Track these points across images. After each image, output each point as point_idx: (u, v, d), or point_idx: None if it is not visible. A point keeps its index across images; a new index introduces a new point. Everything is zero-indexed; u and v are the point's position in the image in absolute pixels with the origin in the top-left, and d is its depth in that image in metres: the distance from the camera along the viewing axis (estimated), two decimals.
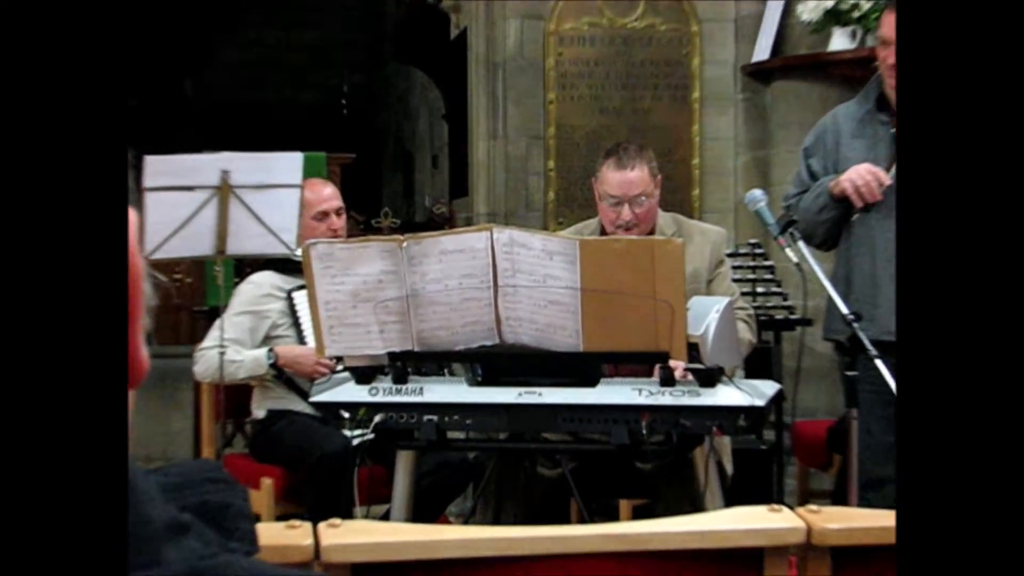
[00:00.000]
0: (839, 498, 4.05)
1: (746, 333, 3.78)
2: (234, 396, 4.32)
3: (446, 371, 3.81)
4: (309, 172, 4.23)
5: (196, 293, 7.50)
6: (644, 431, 3.07)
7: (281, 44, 15.02)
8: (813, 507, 2.00)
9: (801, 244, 3.49)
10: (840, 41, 6.18)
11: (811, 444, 4.76)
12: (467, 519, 4.02)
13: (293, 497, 4.07)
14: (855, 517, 2.04)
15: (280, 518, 3.96)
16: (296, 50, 15.01)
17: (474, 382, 3.27)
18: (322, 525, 1.83)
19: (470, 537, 1.90)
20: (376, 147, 14.53)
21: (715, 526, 1.96)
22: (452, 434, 3.40)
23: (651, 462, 3.63)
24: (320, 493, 3.84)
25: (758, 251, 5.78)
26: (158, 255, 3.89)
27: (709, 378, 3.09)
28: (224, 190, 3.92)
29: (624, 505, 4.11)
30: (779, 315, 5.59)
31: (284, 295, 4.24)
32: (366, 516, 3.67)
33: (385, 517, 3.79)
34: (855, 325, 3.27)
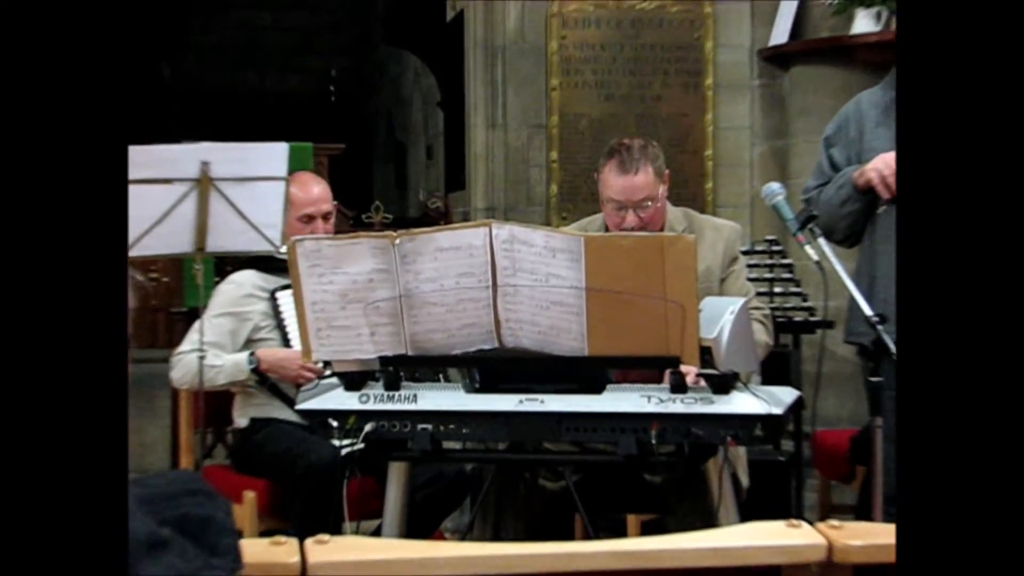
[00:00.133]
0: (862, 513, 4.05)
1: (762, 335, 3.78)
2: (214, 403, 4.32)
3: (441, 377, 3.81)
4: (295, 163, 4.23)
5: (174, 293, 7.49)
6: (653, 441, 3.07)
7: (265, 26, 15.03)
8: (834, 522, 2.00)
9: (822, 241, 3.49)
10: (863, 23, 6.18)
11: (832, 455, 4.76)
12: (464, 535, 4.02)
13: (278, 512, 4.07)
14: (879, 533, 2.04)
15: (264, 534, 3.96)
16: (281, 32, 15.01)
17: (471, 388, 3.27)
18: (309, 541, 1.83)
19: (467, 554, 1.90)
20: (366, 137, 14.53)
21: (730, 542, 1.96)
22: (448, 444, 3.40)
23: (661, 474, 3.64)
24: (307, 507, 3.85)
25: (776, 248, 5.78)
26: (133, 253, 3.88)
27: (723, 384, 3.09)
28: (204, 183, 3.92)
29: (632, 520, 4.11)
30: (798, 317, 5.59)
31: (267, 295, 4.24)
32: (356, 532, 3.68)
33: (376, 533, 3.80)
34: (880, 327, 3.28)
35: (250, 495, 4.01)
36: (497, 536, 3.76)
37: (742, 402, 3.08)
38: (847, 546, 1.92)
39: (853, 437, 4.56)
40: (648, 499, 3.81)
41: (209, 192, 3.93)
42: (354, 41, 15.11)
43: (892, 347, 3.23)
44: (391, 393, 3.22)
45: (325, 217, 4.25)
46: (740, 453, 3.78)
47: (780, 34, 6.55)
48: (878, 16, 6.14)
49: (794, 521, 1.97)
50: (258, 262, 4.29)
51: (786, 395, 3.23)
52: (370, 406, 3.21)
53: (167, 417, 5.03)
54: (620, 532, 4.02)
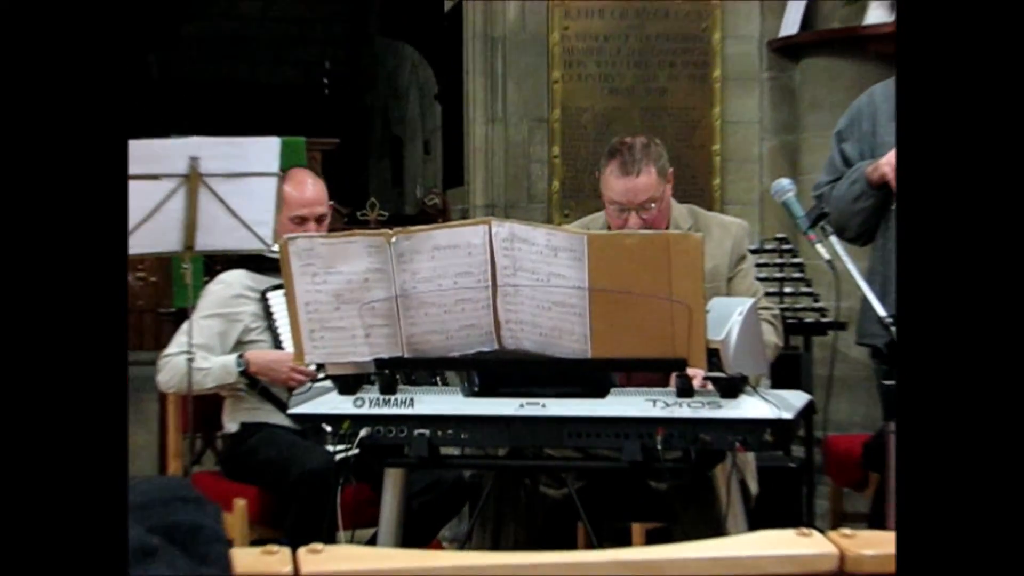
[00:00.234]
0: (876, 521, 4.05)
1: (771, 336, 3.78)
2: (204, 408, 4.33)
3: (438, 380, 3.81)
4: (287, 159, 4.22)
5: (162, 293, 7.50)
6: (659, 447, 3.08)
7: (256, 16, 15.03)
8: (847, 531, 2.00)
9: (833, 239, 3.50)
10: (876, 14, 6.18)
11: (845, 461, 4.76)
12: (463, 544, 4.02)
13: (269, 520, 4.08)
14: (893, 543, 2.05)
15: (255, 543, 3.96)
16: (273, 23, 15.01)
17: (470, 392, 3.28)
18: (302, 550, 1.83)
19: (466, 564, 1.90)
20: (362, 131, 14.54)
21: (738, 552, 1.96)
22: (446, 450, 3.40)
23: (667, 481, 3.64)
24: (300, 515, 3.84)
25: (786, 247, 5.78)
26: None
27: (731, 388, 3.10)
28: (193, 179, 3.92)
29: (637, 529, 4.11)
30: (809, 318, 5.60)
31: (257, 296, 4.24)
32: (351, 541, 3.68)
33: (371, 542, 3.80)
34: (894, 329, 3.28)
35: (241, 503, 4.01)
36: (497, 545, 3.77)
37: (751, 406, 3.08)
38: (860, 556, 1.92)
39: (866, 443, 4.56)
40: (653, 507, 3.81)
41: (198, 188, 3.93)
42: (349, 32, 15.12)
43: None
44: (387, 397, 3.22)
45: (319, 219, 4.23)
46: (749, 459, 3.78)
47: (790, 25, 6.55)
48: (892, 7, 6.14)
49: (805, 530, 1.97)
50: (248, 262, 4.29)
51: (797, 399, 3.23)
52: (365, 410, 3.22)
53: (155, 421, 5.03)
54: (624, 541, 4.02)
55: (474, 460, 3.75)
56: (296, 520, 3.87)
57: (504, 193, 6.62)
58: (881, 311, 3.34)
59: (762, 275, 5.52)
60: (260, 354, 4.15)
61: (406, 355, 3.23)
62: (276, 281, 4.19)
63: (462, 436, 3.24)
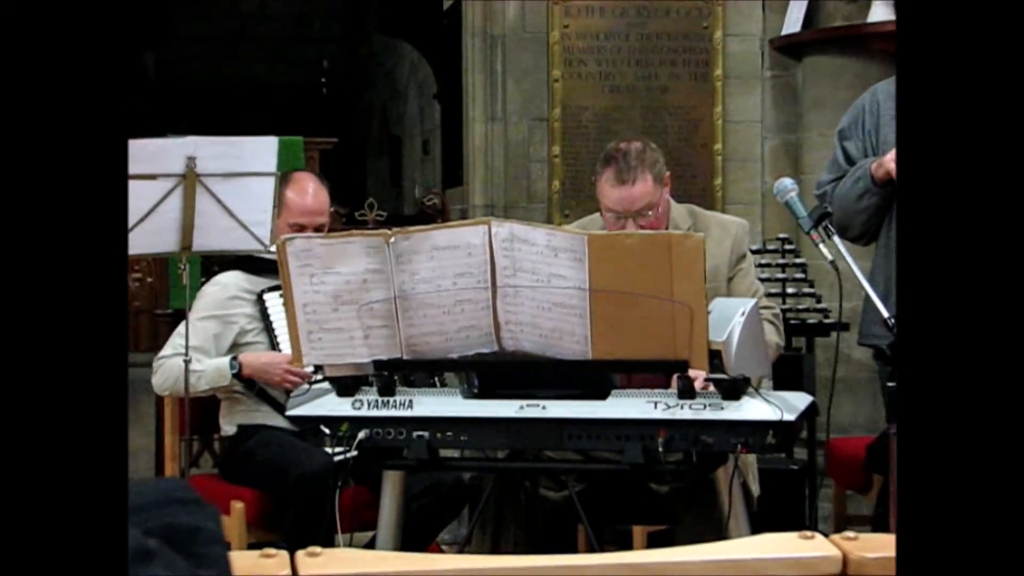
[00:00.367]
0: (879, 524, 4.06)
1: (772, 335, 3.79)
2: (201, 410, 4.33)
3: (437, 381, 3.81)
4: (285, 158, 4.22)
5: (158, 294, 7.50)
6: (660, 449, 3.08)
7: (253, 14, 15.04)
8: (850, 534, 2.00)
9: (836, 239, 3.50)
10: (880, 11, 6.19)
11: (848, 463, 4.76)
12: (462, 547, 4.02)
13: (267, 523, 4.08)
14: None
15: (252, 546, 3.97)
16: (270, 21, 15.02)
17: (470, 394, 3.28)
18: (300, 554, 1.83)
19: (466, 567, 1.90)
20: (360, 130, 14.54)
21: (740, 555, 1.96)
22: (445, 452, 3.40)
23: (668, 483, 3.64)
24: (299, 518, 3.84)
25: (788, 247, 5.79)
26: None
27: (733, 390, 3.10)
28: (190, 179, 3.92)
29: (638, 531, 4.11)
30: (812, 319, 5.60)
31: (253, 297, 4.23)
32: (349, 544, 3.68)
33: (370, 545, 3.80)
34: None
35: (238, 505, 4.01)
36: (497, 548, 3.76)
37: (753, 408, 3.08)
38: (863, 559, 1.92)
39: (870, 445, 4.56)
40: (655, 509, 3.81)
41: (195, 188, 3.93)
42: (347, 30, 15.12)
43: None
44: (386, 399, 3.23)
45: (318, 229, 4.21)
46: (750, 460, 3.78)
47: (793, 23, 6.56)
48: (894, 4, 6.14)
49: (807, 533, 1.97)
50: (243, 263, 4.28)
51: (799, 401, 3.23)
52: (364, 412, 3.22)
53: (151, 424, 5.03)
54: (625, 544, 4.02)
55: (474, 462, 3.75)
56: (294, 523, 3.87)
57: (504, 193, 6.62)
58: (884, 312, 3.34)
59: (764, 275, 5.53)
60: (254, 357, 4.14)
61: (405, 356, 3.23)
62: (272, 282, 4.19)
63: (461, 438, 3.24)
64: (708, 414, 3.08)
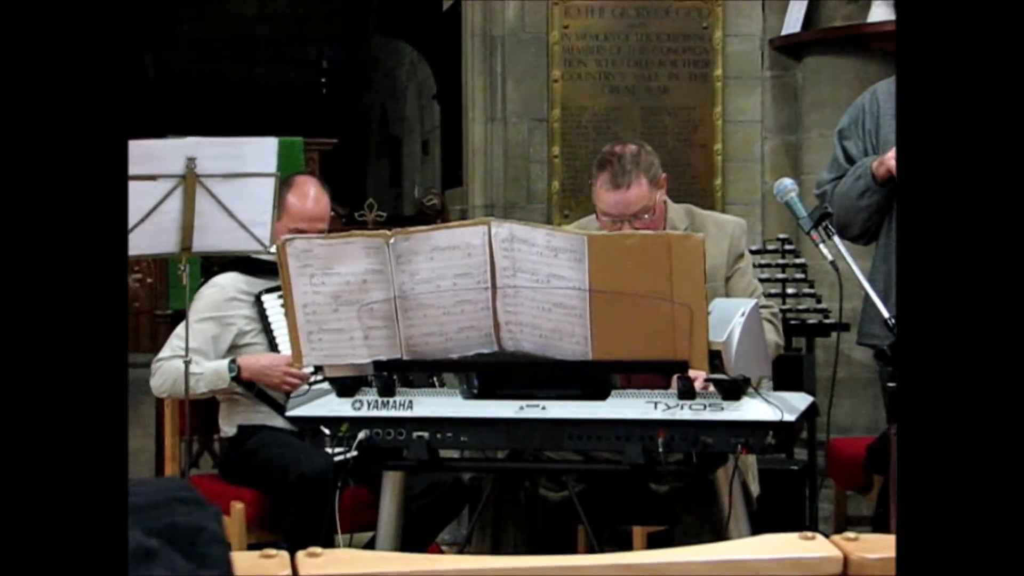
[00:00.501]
0: (880, 525, 4.06)
1: (772, 335, 3.79)
2: (201, 411, 4.33)
3: (435, 381, 3.81)
4: (284, 159, 4.22)
5: (158, 295, 7.51)
6: (660, 449, 3.08)
7: (252, 15, 15.04)
8: (850, 534, 2.00)
9: (837, 239, 3.50)
10: (880, 11, 6.19)
11: (848, 464, 4.77)
12: (462, 548, 4.02)
13: (267, 523, 4.08)
14: None
15: (252, 547, 3.97)
16: (270, 22, 15.02)
17: (470, 394, 3.28)
18: (300, 554, 1.83)
19: (466, 567, 1.90)
20: (359, 131, 14.55)
21: (740, 555, 1.96)
22: (445, 453, 3.40)
23: (668, 483, 3.64)
24: (300, 518, 3.84)
25: (788, 247, 5.79)
26: None
27: (733, 390, 3.10)
28: (189, 179, 3.92)
29: (638, 532, 4.11)
30: (812, 319, 5.60)
31: (251, 299, 4.23)
32: (349, 544, 3.68)
33: (369, 545, 3.80)
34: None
35: (238, 506, 4.01)
36: (497, 549, 3.77)
37: (753, 408, 3.09)
38: (863, 559, 1.92)
39: (870, 445, 4.56)
40: (655, 510, 3.82)
41: (195, 189, 3.93)
42: (346, 31, 15.13)
43: None
44: (385, 399, 3.23)
45: (317, 232, 4.21)
46: (750, 460, 3.78)
47: (792, 23, 6.56)
48: (894, 4, 6.14)
49: (808, 533, 1.97)
50: (241, 264, 4.28)
51: (799, 401, 3.23)
52: (364, 413, 3.22)
53: (151, 424, 5.03)
54: (625, 544, 4.02)
55: (474, 463, 3.75)
56: (294, 523, 3.87)
57: (503, 193, 6.62)
58: (884, 312, 3.34)
59: (764, 276, 5.53)
60: (253, 359, 4.14)
61: (405, 357, 3.24)
62: (270, 284, 4.19)
63: (461, 439, 3.24)
64: (708, 414, 3.08)
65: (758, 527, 3.38)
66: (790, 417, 3.06)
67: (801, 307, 5.61)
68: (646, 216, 3.80)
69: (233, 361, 4.11)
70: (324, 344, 3.25)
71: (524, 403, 3.17)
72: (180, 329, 4.16)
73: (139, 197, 3.86)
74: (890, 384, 3.29)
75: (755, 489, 3.81)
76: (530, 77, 6.60)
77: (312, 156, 7.59)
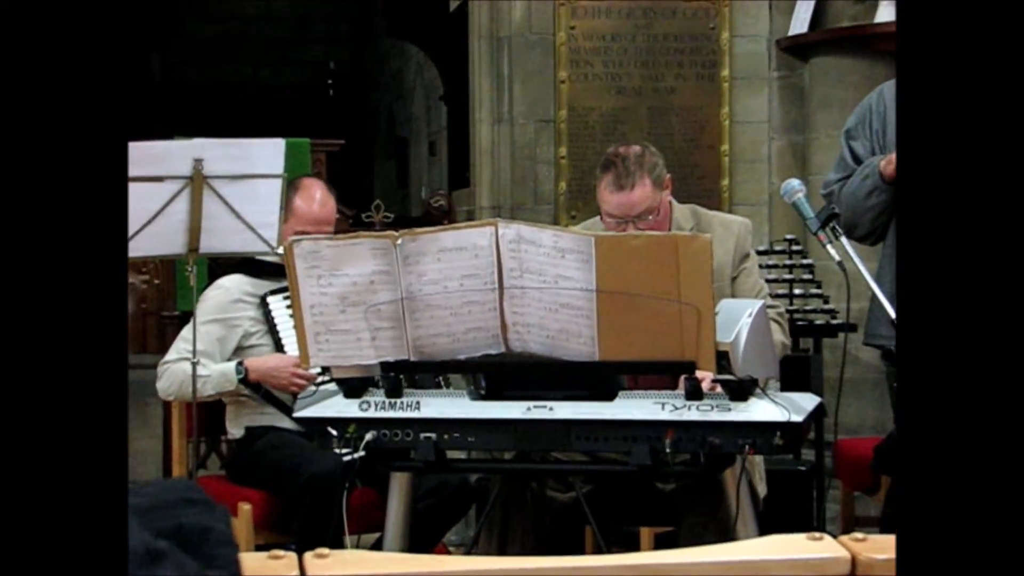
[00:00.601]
0: (888, 525, 4.05)
1: (778, 335, 3.79)
2: (208, 412, 4.33)
3: (441, 381, 3.82)
4: (291, 160, 4.22)
5: (166, 297, 7.51)
6: (668, 450, 3.08)
7: (259, 16, 15.04)
8: (858, 535, 2.00)
9: (844, 240, 3.50)
10: (887, 12, 6.18)
11: (855, 465, 4.76)
12: (469, 548, 4.02)
13: (275, 524, 4.08)
14: None
15: (260, 548, 3.97)
16: (276, 22, 15.02)
17: (477, 395, 3.28)
18: (308, 555, 1.83)
19: (473, 568, 1.90)
20: (366, 132, 14.55)
21: (748, 556, 1.96)
22: (452, 454, 3.40)
23: (674, 481, 3.64)
24: (310, 519, 3.83)
25: (795, 248, 5.79)
26: None
27: (741, 391, 3.10)
28: (197, 181, 3.93)
29: (645, 533, 4.11)
30: (819, 320, 5.60)
31: (257, 300, 4.23)
32: (357, 545, 3.68)
33: (376, 546, 3.80)
34: None
35: (246, 507, 4.01)
36: (504, 550, 3.77)
37: (761, 409, 3.08)
38: (871, 560, 1.92)
39: (877, 446, 4.56)
40: (662, 511, 3.82)
41: (202, 190, 3.93)
42: (353, 32, 15.13)
43: None
44: (393, 400, 3.23)
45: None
46: (757, 460, 3.78)
47: (799, 24, 6.56)
48: (896, 4, 6.13)
49: (816, 534, 1.97)
50: (245, 266, 4.29)
51: (807, 402, 3.23)
52: (371, 414, 3.22)
53: (159, 426, 5.04)
54: (633, 545, 4.02)
55: (481, 464, 3.75)
56: (305, 524, 3.87)
57: (510, 194, 6.62)
58: (892, 312, 3.34)
59: (771, 276, 5.53)
60: (260, 361, 4.14)
61: (412, 358, 3.24)
62: (275, 285, 4.20)
63: (469, 439, 3.24)
64: (715, 415, 3.08)
65: (765, 528, 3.38)
66: (797, 418, 3.06)
67: (808, 308, 5.61)
68: (650, 217, 3.80)
69: (240, 363, 4.11)
70: (331, 345, 3.25)
71: (531, 404, 3.17)
72: (185, 332, 4.16)
73: (146, 199, 3.87)
74: (897, 384, 3.29)
75: (762, 490, 3.81)
76: (537, 78, 6.60)
77: (319, 157, 7.59)
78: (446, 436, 3.21)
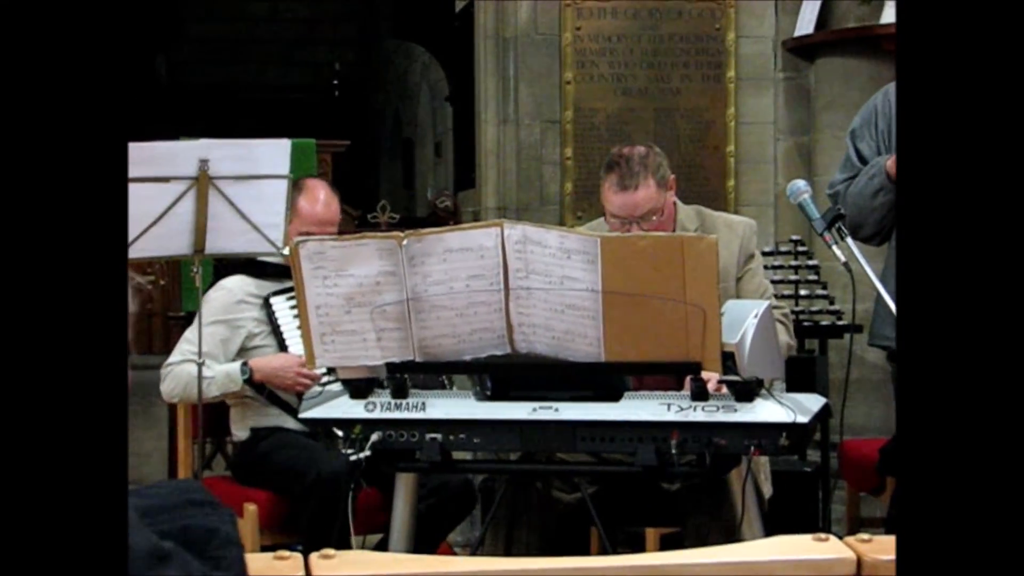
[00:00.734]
0: (893, 526, 4.05)
1: (783, 335, 3.78)
2: (214, 413, 4.33)
3: (446, 381, 3.81)
4: (297, 161, 4.22)
5: (171, 297, 7.52)
6: (673, 451, 3.08)
7: (265, 17, 15.06)
8: (864, 536, 2.00)
9: (850, 241, 3.49)
10: (893, 13, 6.17)
11: (861, 465, 4.76)
12: (475, 549, 4.02)
13: (281, 525, 4.08)
14: None
15: (265, 548, 3.97)
16: (282, 24, 15.04)
17: (483, 396, 3.28)
18: (314, 556, 1.84)
19: (479, 569, 1.90)
20: (372, 133, 14.56)
21: (754, 557, 1.96)
22: (458, 454, 3.40)
23: (679, 480, 3.64)
24: (317, 519, 3.83)
25: (801, 249, 5.78)
26: (129, 255, 3.88)
27: (746, 391, 3.10)
28: (202, 181, 3.93)
29: (651, 534, 4.11)
30: (825, 321, 5.59)
31: (260, 301, 4.23)
32: (362, 546, 3.68)
33: (379, 547, 3.80)
34: None
35: (251, 508, 4.01)
36: (509, 551, 3.77)
37: (766, 410, 3.08)
38: (877, 561, 1.92)
39: (883, 447, 4.55)
40: (667, 512, 3.81)
41: (208, 191, 3.93)
42: (359, 33, 15.14)
43: None
44: (398, 401, 3.23)
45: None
46: (762, 461, 3.78)
47: (805, 24, 6.55)
48: (896, 5, 6.12)
49: (821, 535, 1.97)
50: (248, 267, 4.29)
51: (812, 403, 3.23)
52: (377, 415, 3.22)
53: (164, 427, 5.04)
54: (638, 546, 4.02)
55: (487, 465, 3.75)
56: (312, 524, 3.87)
57: (516, 195, 6.62)
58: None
59: (777, 277, 5.53)
60: (264, 361, 4.14)
61: (418, 359, 3.24)
62: (277, 286, 4.20)
63: (474, 440, 3.24)
64: (721, 416, 3.08)
65: (771, 529, 3.38)
66: (803, 419, 3.06)
67: (814, 308, 5.61)
68: (654, 217, 3.80)
69: (245, 363, 4.11)
70: (337, 346, 3.26)
71: (537, 405, 3.17)
72: (188, 333, 4.16)
73: (152, 199, 3.87)
74: (897, 385, 3.29)
75: (767, 490, 3.81)
76: (543, 79, 6.60)
77: (325, 158, 7.60)
78: (452, 437, 3.21)
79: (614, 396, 3.20)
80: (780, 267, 5.68)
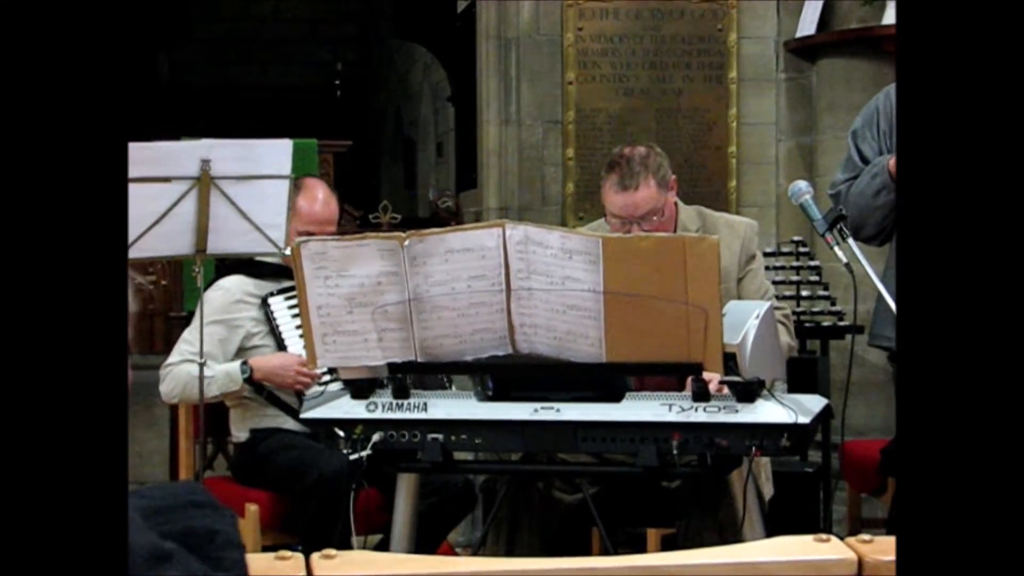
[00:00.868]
0: (894, 527, 4.04)
1: (784, 336, 3.79)
2: (215, 413, 4.33)
3: (446, 381, 3.81)
4: (299, 161, 4.22)
5: (173, 297, 7.52)
6: (675, 451, 3.08)
7: (267, 16, 15.06)
8: (865, 537, 2.00)
9: (851, 241, 3.49)
10: (895, 13, 6.17)
11: (862, 466, 4.76)
12: (476, 550, 4.03)
13: (282, 525, 4.08)
14: None
15: (266, 549, 3.97)
16: (284, 24, 15.04)
17: (484, 397, 3.28)
18: (315, 556, 1.84)
19: (480, 569, 1.90)
20: (374, 133, 14.56)
21: (755, 557, 1.96)
22: (459, 455, 3.40)
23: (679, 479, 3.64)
24: (318, 519, 3.83)
25: (802, 250, 5.78)
26: (131, 254, 3.88)
27: (748, 392, 3.10)
28: (204, 181, 3.93)
29: (652, 534, 4.11)
30: (826, 322, 5.59)
31: (258, 301, 4.23)
32: (363, 546, 3.68)
33: (380, 547, 3.80)
34: None
35: (252, 508, 4.01)
36: (511, 551, 3.77)
37: (768, 411, 3.08)
38: (878, 562, 1.92)
39: (884, 448, 4.55)
40: (669, 512, 3.82)
41: (209, 191, 3.93)
42: (361, 33, 15.14)
43: None
44: (400, 401, 3.23)
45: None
46: (763, 461, 3.78)
47: (807, 25, 6.55)
48: (896, 5, 6.12)
49: (823, 535, 1.97)
50: (246, 267, 4.29)
51: (814, 403, 3.23)
52: (378, 415, 3.22)
53: (165, 427, 5.03)
54: (640, 546, 4.02)
55: (488, 465, 3.75)
56: (313, 524, 3.87)
57: (517, 196, 6.62)
58: None
59: (779, 278, 5.53)
60: (264, 360, 4.14)
61: (419, 359, 3.24)
62: (275, 286, 4.20)
63: (476, 441, 3.25)
64: (722, 417, 3.08)
65: (772, 529, 3.38)
66: (804, 419, 3.06)
67: (815, 309, 5.61)
68: (655, 218, 3.80)
69: (245, 363, 4.11)
70: (338, 346, 3.26)
71: (538, 405, 3.18)
72: (187, 334, 4.16)
73: (153, 199, 3.87)
74: (897, 385, 3.29)
75: (768, 491, 3.81)
76: (544, 79, 6.60)
77: (326, 158, 7.60)
78: (453, 437, 3.21)
79: (615, 397, 3.20)
80: (782, 268, 5.68)
